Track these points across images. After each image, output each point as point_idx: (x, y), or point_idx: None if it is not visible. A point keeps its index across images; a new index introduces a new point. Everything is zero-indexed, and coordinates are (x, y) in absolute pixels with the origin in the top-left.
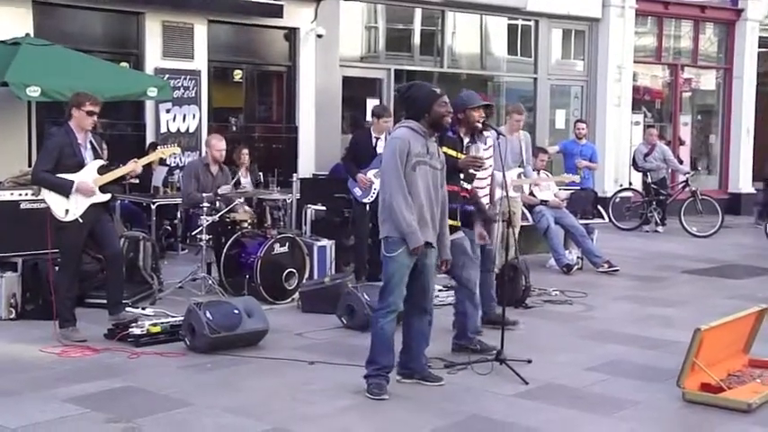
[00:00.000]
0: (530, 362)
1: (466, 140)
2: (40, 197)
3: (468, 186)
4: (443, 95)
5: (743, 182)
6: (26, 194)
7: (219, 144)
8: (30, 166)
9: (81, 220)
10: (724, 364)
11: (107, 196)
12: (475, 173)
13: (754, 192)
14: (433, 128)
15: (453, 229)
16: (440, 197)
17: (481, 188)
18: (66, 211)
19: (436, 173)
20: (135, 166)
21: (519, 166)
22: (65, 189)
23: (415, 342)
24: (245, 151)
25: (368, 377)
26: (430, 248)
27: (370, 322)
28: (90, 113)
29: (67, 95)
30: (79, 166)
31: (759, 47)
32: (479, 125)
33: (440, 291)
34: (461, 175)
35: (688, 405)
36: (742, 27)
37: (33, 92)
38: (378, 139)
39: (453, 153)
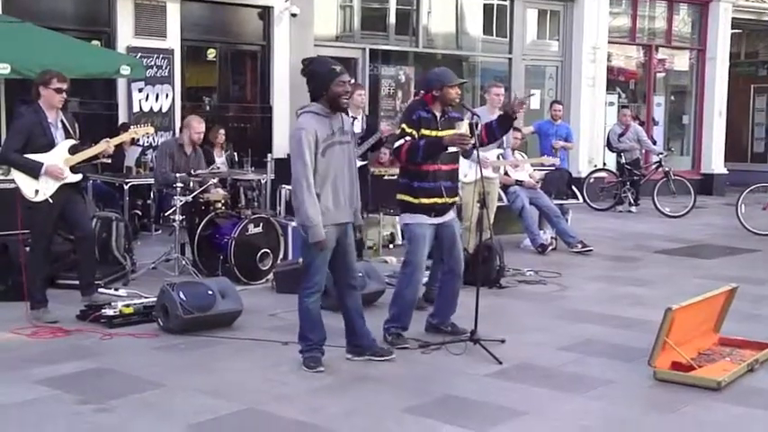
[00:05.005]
0: (503, 342)
1: (439, 117)
2: (9, 177)
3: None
4: (342, 74)
5: (715, 163)
6: None
7: (199, 126)
8: None
9: (51, 201)
10: (695, 343)
11: (78, 176)
12: (464, 149)
13: (726, 172)
14: (331, 107)
15: (445, 209)
16: (354, 170)
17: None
18: (36, 191)
19: (346, 147)
20: (107, 145)
21: (498, 147)
22: (34, 171)
23: (354, 319)
24: (222, 131)
25: (302, 352)
26: (348, 227)
27: (298, 302)
28: (58, 90)
29: (38, 73)
30: (49, 145)
31: (732, 28)
32: (457, 102)
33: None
34: (449, 150)
35: (659, 384)
36: (715, 8)
37: (3, 69)
38: (354, 119)
39: (428, 132)
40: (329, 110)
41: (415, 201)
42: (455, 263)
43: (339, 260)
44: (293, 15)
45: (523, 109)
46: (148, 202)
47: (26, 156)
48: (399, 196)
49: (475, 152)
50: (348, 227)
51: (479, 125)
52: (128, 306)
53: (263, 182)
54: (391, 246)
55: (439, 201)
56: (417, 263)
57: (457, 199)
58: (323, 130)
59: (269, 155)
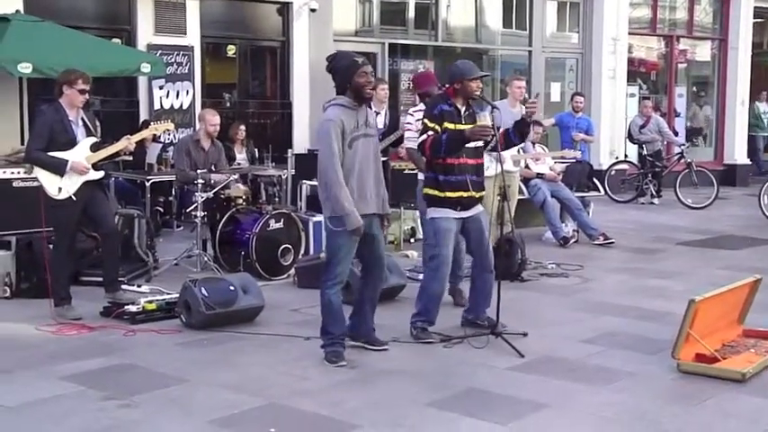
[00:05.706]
0: (525, 335)
1: (462, 110)
2: (32, 175)
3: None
4: (364, 65)
5: (738, 153)
6: (19, 172)
7: (214, 119)
8: (22, 143)
9: (74, 198)
10: (718, 335)
11: (100, 174)
12: (483, 142)
13: (749, 163)
14: (356, 99)
15: (473, 202)
16: (379, 163)
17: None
18: (60, 189)
19: (371, 140)
20: (127, 142)
21: None
22: (59, 168)
23: (365, 307)
24: (242, 127)
25: (324, 346)
26: (375, 218)
27: (320, 295)
28: (82, 91)
29: (59, 71)
30: (71, 143)
31: (754, 17)
32: (477, 96)
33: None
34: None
35: (683, 376)
36: None
37: (25, 68)
38: (378, 114)
39: (452, 126)
40: (355, 102)
41: (441, 194)
42: (484, 257)
43: (369, 251)
44: (312, 11)
45: (536, 107)
46: (170, 198)
47: (50, 154)
48: (425, 190)
49: (496, 145)
50: (374, 219)
51: (497, 119)
52: (150, 302)
53: (283, 177)
54: (412, 240)
55: (465, 195)
56: (444, 257)
57: (483, 193)
58: (350, 122)
59: (289, 150)
